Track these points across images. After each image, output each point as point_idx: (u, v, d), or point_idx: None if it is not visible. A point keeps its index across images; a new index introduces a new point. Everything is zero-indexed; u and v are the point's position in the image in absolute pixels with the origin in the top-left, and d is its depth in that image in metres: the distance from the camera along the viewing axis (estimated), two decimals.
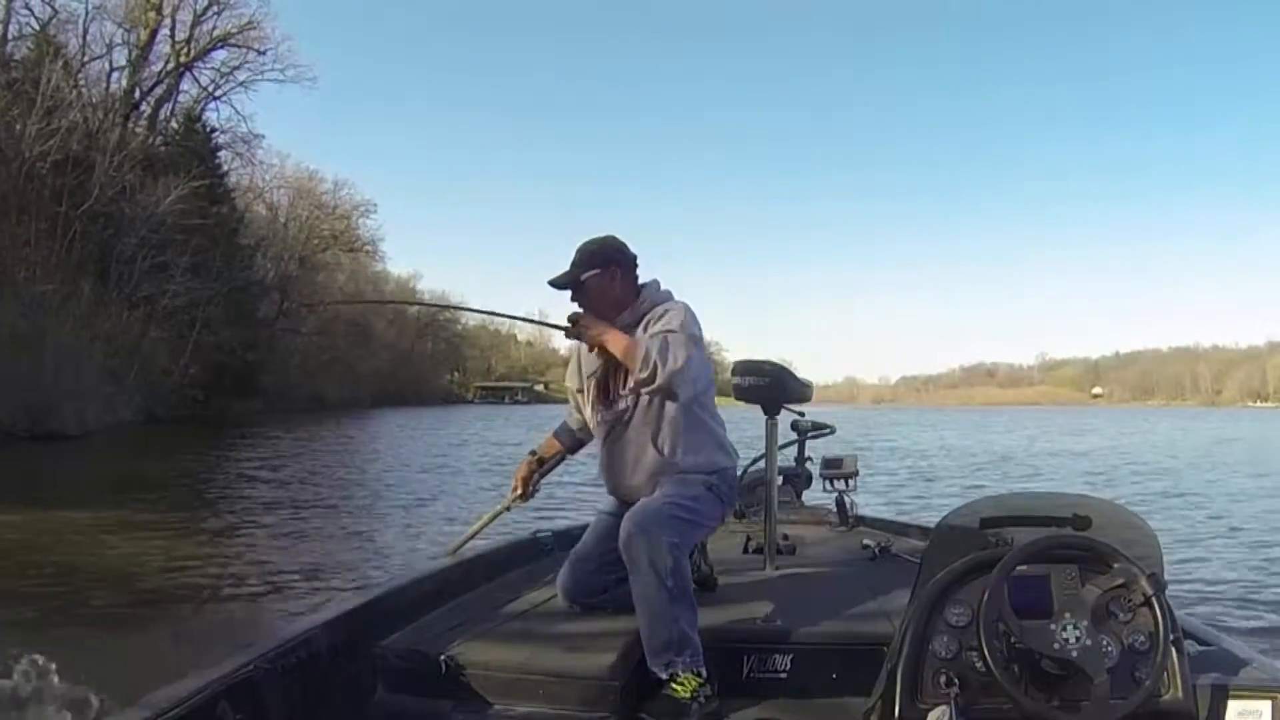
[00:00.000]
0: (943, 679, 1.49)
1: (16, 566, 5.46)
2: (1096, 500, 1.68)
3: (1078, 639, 1.45)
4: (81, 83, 26.16)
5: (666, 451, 2.09)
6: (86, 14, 26.75)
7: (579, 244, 2.20)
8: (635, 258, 2.21)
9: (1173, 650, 1.47)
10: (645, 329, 2.07)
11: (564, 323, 2.11)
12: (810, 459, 3.57)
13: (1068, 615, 1.47)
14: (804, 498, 3.64)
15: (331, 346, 45.47)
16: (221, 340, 29.59)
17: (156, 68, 30.37)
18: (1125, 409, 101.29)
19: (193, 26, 30.85)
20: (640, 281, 2.21)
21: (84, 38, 26.87)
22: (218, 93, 32.45)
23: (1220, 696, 1.53)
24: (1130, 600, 1.50)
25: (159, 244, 25.79)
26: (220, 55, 32.16)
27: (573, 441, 2.44)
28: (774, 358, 2.72)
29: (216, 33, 31.48)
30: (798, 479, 3.57)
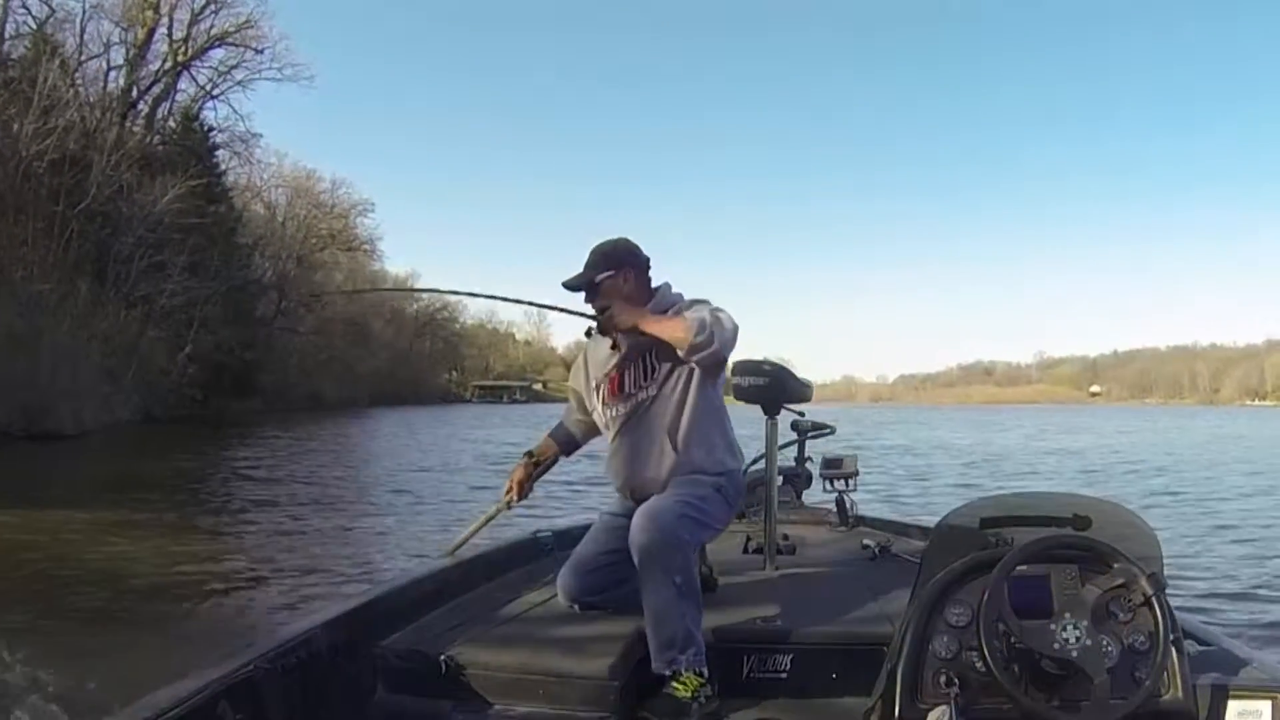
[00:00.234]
0: (943, 679, 1.49)
1: (13, 567, 5.45)
2: (1096, 500, 1.68)
3: (1078, 639, 1.45)
4: (79, 82, 26.11)
5: (681, 445, 2.11)
6: (84, 13, 26.72)
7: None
8: (648, 260, 2.23)
9: (1173, 650, 1.47)
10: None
11: (588, 313, 2.15)
12: (810, 459, 3.57)
13: (1068, 615, 1.48)
14: (804, 498, 3.64)
15: (329, 346, 45.39)
16: (219, 340, 29.50)
17: (154, 66, 30.32)
18: (1123, 407, 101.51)
19: (190, 25, 30.79)
20: (653, 284, 2.22)
21: (81, 37, 26.85)
22: (215, 91, 32.41)
23: (1220, 696, 1.53)
24: (1130, 600, 1.50)
25: (156, 243, 25.70)
26: (218, 54, 32.13)
27: (569, 444, 2.44)
28: (773, 357, 2.71)
29: (214, 31, 31.43)
30: (798, 479, 3.57)
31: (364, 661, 1.88)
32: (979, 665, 1.47)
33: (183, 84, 31.73)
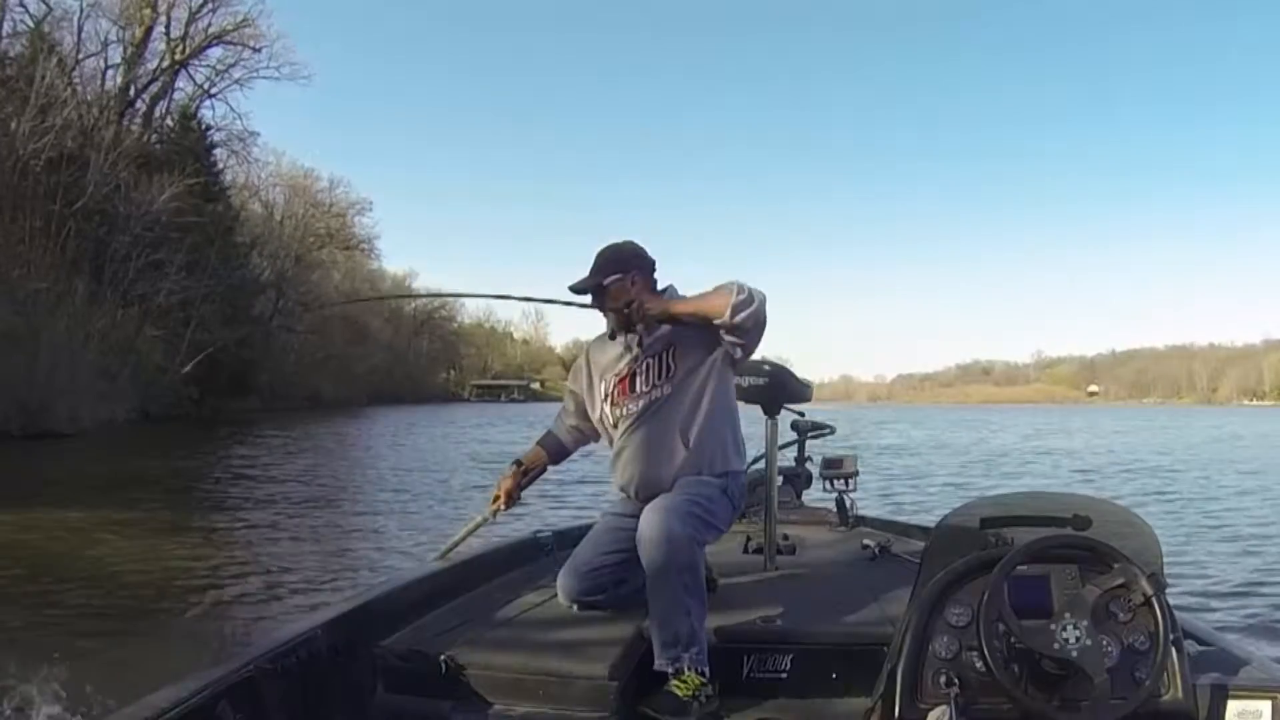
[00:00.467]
0: (943, 679, 1.49)
1: (9, 565, 5.43)
2: (1096, 500, 1.68)
3: (1078, 639, 1.45)
4: (76, 80, 26.08)
5: (693, 444, 2.11)
6: (81, 11, 26.66)
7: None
8: (654, 262, 2.23)
9: (1173, 650, 1.47)
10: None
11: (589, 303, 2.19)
12: (810, 459, 3.57)
13: (1068, 615, 1.47)
14: (804, 498, 3.64)
15: (327, 345, 45.37)
16: (216, 338, 29.47)
17: (151, 65, 30.29)
18: (1121, 407, 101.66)
19: (188, 24, 30.73)
20: (659, 286, 2.22)
21: (79, 35, 26.80)
22: (213, 90, 32.36)
23: (1220, 696, 1.53)
24: (1130, 600, 1.50)
25: (154, 242, 25.65)
26: (215, 53, 32.09)
27: (559, 452, 2.44)
28: (772, 357, 2.72)
29: (212, 30, 31.38)
30: (798, 479, 3.57)
31: (364, 662, 1.88)
32: (979, 665, 1.47)
33: (180, 82, 31.78)
